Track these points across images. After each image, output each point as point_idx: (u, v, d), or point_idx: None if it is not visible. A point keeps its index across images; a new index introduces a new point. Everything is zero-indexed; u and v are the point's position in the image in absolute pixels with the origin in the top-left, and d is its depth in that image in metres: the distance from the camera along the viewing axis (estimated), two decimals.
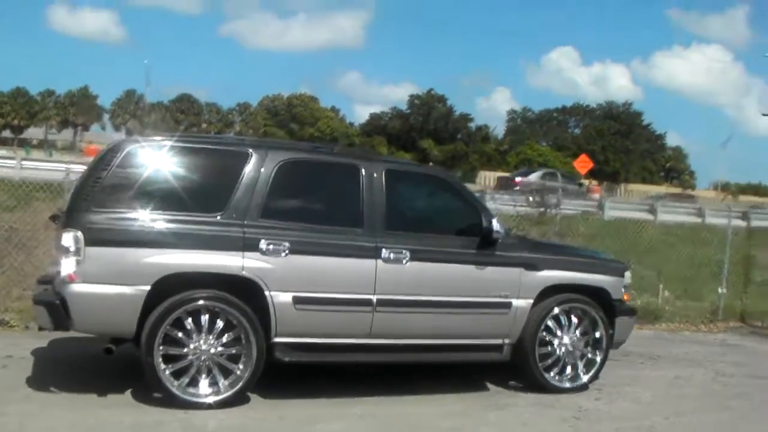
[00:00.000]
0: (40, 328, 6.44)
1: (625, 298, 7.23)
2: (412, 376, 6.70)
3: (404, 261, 6.07)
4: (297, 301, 5.75)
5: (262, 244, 5.67)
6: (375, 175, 6.18)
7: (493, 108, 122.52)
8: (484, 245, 6.41)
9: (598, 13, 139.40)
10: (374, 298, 5.99)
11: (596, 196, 40.92)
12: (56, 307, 5.36)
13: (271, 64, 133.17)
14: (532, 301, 6.58)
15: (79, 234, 5.33)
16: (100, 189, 5.47)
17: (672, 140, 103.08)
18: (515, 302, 6.52)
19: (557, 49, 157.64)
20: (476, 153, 79.06)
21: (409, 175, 6.71)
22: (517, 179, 35.39)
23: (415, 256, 6.11)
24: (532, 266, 6.60)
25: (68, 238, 5.35)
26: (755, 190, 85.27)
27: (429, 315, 6.25)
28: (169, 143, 5.84)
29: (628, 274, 7.28)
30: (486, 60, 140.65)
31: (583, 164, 39.82)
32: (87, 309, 5.40)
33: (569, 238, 12.42)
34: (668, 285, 11.58)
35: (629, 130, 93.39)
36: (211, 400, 5.59)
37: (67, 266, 5.34)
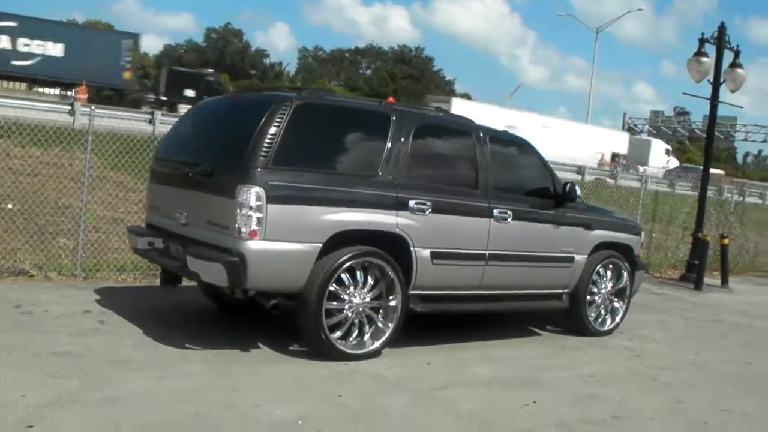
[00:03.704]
0: (164, 284, 6.69)
1: (639, 254, 8.87)
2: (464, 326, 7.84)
3: (508, 220, 7.16)
4: (434, 256, 6.64)
5: (411, 203, 6.46)
6: (483, 139, 7.15)
7: (270, 43, 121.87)
8: (557, 206, 7.65)
9: None
10: (487, 252, 7.04)
11: None
12: (236, 264, 5.72)
13: None
14: (586, 256, 8.00)
15: (261, 191, 5.73)
16: (276, 146, 5.85)
17: (460, 87, 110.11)
18: (577, 257, 7.92)
19: None
20: (269, 89, 79.38)
21: (504, 141, 7.70)
22: None
23: (515, 216, 7.24)
24: (588, 226, 8.04)
25: (250, 195, 5.71)
26: None
27: (521, 268, 7.45)
28: (327, 102, 6.35)
29: (642, 233, 8.93)
30: None
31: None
32: (264, 266, 5.84)
33: None
34: None
35: (421, 74, 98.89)
36: (363, 350, 6.33)
37: (249, 223, 5.72)
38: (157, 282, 8.77)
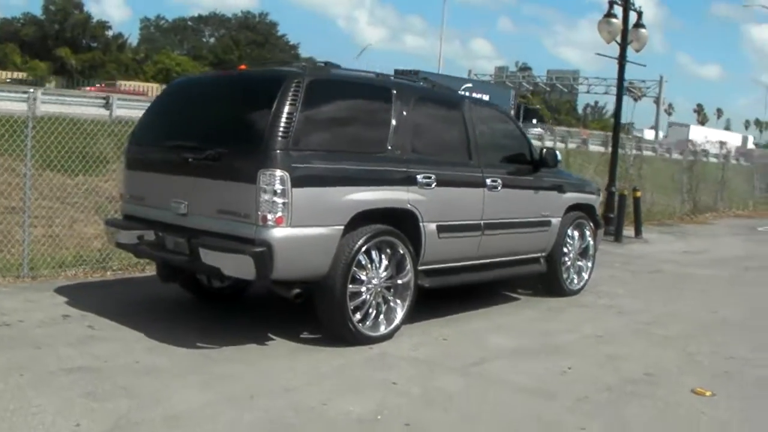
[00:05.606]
0: (165, 280, 6.24)
1: (599, 213, 9.21)
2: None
3: (498, 189, 7.19)
4: (440, 229, 6.58)
5: (419, 178, 6.34)
6: (470, 108, 7.14)
7: (104, 13, 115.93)
8: (534, 171, 7.78)
9: None
10: (482, 222, 7.07)
11: None
12: (263, 255, 5.37)
13: None
14: (560, 218, 8.20)
15: (286, 174, 5.40)
16: (295, 126, 5.52)
17: (304, 51, 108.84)
18: (553, 220, 8.10)
19: None
20: (113, 62, 76.43)
21: (486, 110, 7.68)
22: None
23: (504, 184, 7.28)
24: (561, 189, 8.24)
25: (274, 179, 5.37)
26: None
27: (510, 234, 7.51)
28: (335, 77, 6.08)
29: (600, 192, 9.26)
30: None
31: None
32: (291, 254, 5.53)
33: None
34: None
35: (265, 40, 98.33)
36: (381, 331, 6.20)
37: (275, 209, 5.39)
38: (110, 276, 8.26)
